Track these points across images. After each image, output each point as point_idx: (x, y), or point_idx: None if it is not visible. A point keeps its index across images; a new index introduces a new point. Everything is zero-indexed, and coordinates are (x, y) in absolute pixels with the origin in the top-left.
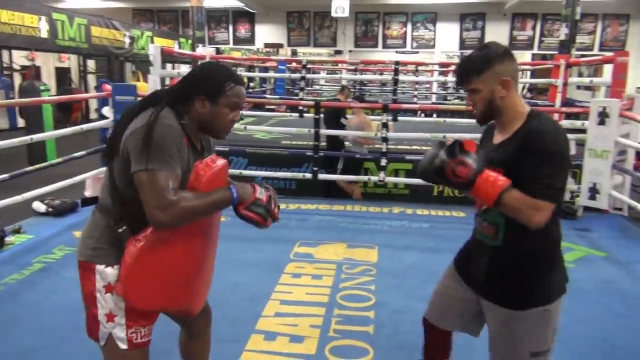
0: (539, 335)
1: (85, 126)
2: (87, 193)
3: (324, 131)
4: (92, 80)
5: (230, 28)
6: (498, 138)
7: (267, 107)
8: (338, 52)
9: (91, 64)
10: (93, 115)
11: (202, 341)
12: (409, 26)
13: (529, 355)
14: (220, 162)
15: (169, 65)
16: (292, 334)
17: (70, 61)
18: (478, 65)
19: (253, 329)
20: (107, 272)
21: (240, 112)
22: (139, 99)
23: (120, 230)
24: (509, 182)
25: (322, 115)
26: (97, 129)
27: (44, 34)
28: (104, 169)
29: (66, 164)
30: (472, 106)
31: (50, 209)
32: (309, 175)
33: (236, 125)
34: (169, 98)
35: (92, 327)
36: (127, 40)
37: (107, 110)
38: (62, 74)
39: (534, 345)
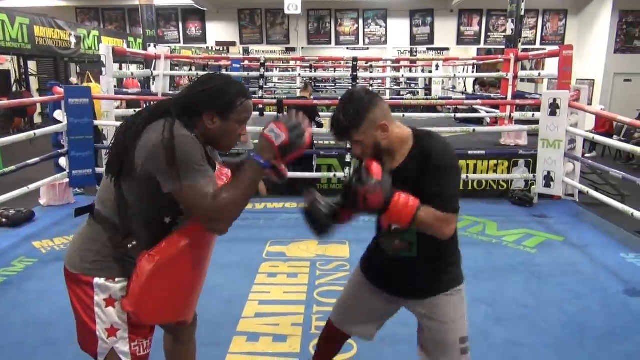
0: (461, 318)
1: (38, 131)
2: (42, 201)
3: None
4: (33, 82)
5: (181, 26)
6: (392, 163)
7: None
8: (291, 49)
9: (32, 65)
10: (37, 119)
11: (189, 346)
12: (361, 22)
13: (459, 342)
14: (229, 173)
15: (116, 66)
16: (275, 333)
17: (10, 63)
18: (354, 121)
19: (234, 331)
20: (108, 286)
21: None
22: (139, 110)
23: (129, 246)
24: (418, 202)
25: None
26: (46, 134)
27: None
28: (58, 175)
29: (16, 172)
30: (359, 154)
31: (4, 220)
32: None
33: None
34: (177, 110)
35: (88, 341)
36: (73, 40)
37: (59, 114)
38: (1, 77)
39: (461, 330)
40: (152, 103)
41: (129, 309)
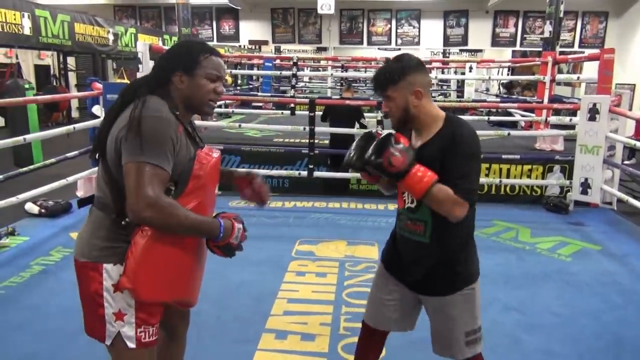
0: (470, 314)
1: (77, 126)
2: (79, 193)
3: (320, 129)
4: (72, 78)
5: (214, 24)
6: (418, 141)
7: (254, 104)
8: (323, 49)
9: (71, 61)
10: (75, 114)
11: (181, 343)
12: (394, 23)
13: (464, 336)
14: (217, 152)
15: (153, 63)
16: (303, 332)
17: (50, 58)
18: (394, 76)
19: (263, 328)
20: (117, 270)
21: (232, 109)
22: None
23: (123, 223)
24: (436, 177)
25: (317, 113)
26: (83, 128)
27: (27, 30)
28: (95, 168)
29: (56, 164)
30: (388, 111)
31: (43, 210)
32: (304, 173)
33: (231, 123)
34: (148, 84)
35: (95, 327)
36: (111, 37)
37: (97, 109)
38: (41, 72)
39: (468, 324)
40: None
41: (127, 286)
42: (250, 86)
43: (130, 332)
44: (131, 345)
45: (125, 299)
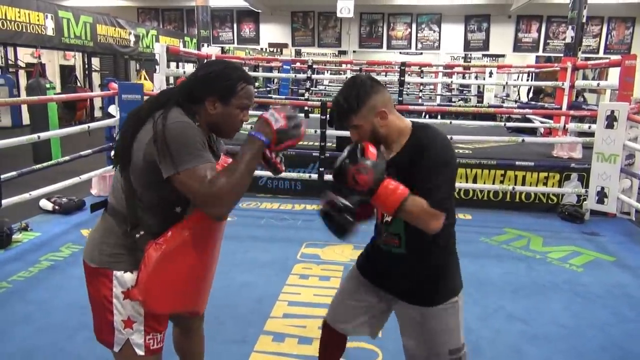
0: (453, 330)
1: (92, 125)
2: (94, 191)
3: (332, 132)
4: (96, 78)
5: (235, 27)
6: (388, 154)
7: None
8: (342, 53)
9: (96, 62)
10: (98, 113)
11: (197, 338)
12: (414, 27)
13: (447, 353)
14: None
15: (173, 64)
16: (301, 335)
17: (75, 59)
18: (353, 105)
19: (261, 329)
20: (126, 278)
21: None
22: (146, 98)
23: (137, 235)
24: (408, 191)
25: (328, 116)
26: (100, 127)
27: (49, 31)
28: (109, 167)
29: (72, 162)
30: (358, 139)
31: (57, 207)
32: (315, 176)
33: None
34: (178, 98)
35: (103, 332)
36: (132, 39)
37: (113, 109)
38: (66, 72)
39: (451, 342)
40: None
41: (138, 298)
42: (268, 88)
43: (140, 340)
44: (140, 352)
45: (135, 306)
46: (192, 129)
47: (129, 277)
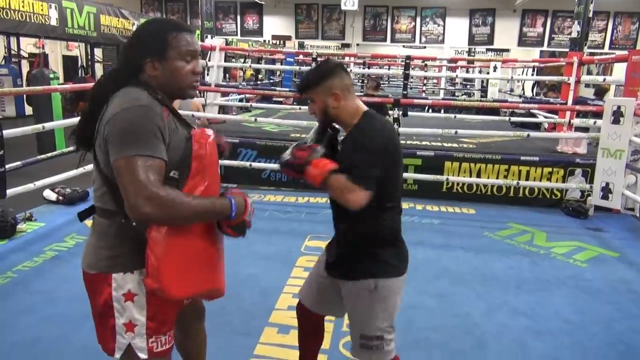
0: (369, 316)
1: None
2: None
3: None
4: (99, 69)
5: (238, 19)
6: (342, 135)
7: (275, 99)
8: (346, 46)
9: (98, 52)
10: None
11: (196, 339)
12: (418, 21)
13: (359, 338)
14: (211, 131)
15: None
16: None
17: (78, 50)
18: (313, 80)
19: (266, 322)
20: (127, 279)
21: (251, 104)
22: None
23: (134, 223)
24: (334, 166)
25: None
26: None
27: (53, 21)
28: None
29: (76, 152)
30: (312, 112)
31: (61, 198)
32: None
33: (247, 117)
34: (117, 78)
35: (105, 338)
36: None
37: None
38: (69, 62)
39: (363, 327)
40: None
41: (154, 286)
42: (272, 81)
43: (142, 344)
44: (143, 356)
45: (136, 308)
46: (153, 116)
47: (129, 277)
